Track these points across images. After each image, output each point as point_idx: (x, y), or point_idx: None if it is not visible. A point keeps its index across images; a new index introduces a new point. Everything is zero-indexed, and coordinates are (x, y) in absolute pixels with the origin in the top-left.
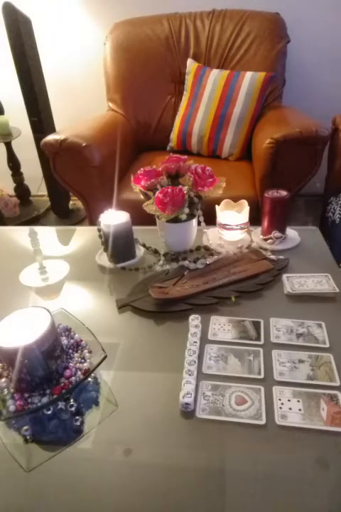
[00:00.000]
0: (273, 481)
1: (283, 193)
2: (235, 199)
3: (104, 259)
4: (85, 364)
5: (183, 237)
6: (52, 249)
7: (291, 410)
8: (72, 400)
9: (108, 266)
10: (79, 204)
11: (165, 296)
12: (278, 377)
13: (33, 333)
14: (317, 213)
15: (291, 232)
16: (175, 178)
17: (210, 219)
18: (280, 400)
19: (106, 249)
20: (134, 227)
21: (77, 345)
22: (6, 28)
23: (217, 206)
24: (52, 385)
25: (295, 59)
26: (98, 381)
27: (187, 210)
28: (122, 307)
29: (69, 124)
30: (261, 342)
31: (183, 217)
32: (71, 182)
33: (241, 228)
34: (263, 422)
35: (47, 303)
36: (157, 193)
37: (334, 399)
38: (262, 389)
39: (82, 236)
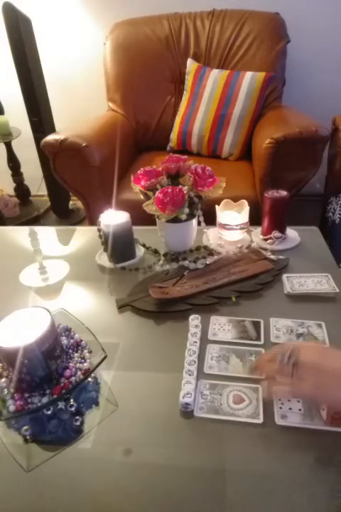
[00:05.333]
0: (273, 480)
1: (283, 193)
2: (235, 199)
3: (104, 259)
4: (85, 364)
5: (183, 237)
6: (52, 249)
7: (291, 410)
8: (72, 400)
9: (108, 266)
10: (79, 204)
11: (165, 296)
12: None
13: (33, 333)
14: (317, 213)
15: (291, 232)
16: (175, 178)
17: (210, 219)
18: (280, 400)
19: (106, 249)
20: (134, 227)
21: (77, 345)
22: (6, 28)
23: (217, 206)
24: (52, 385)
25: (295, 59)
26: (98, 381)
27: (187, 210)
28: (122, 307)
29: (69, 124)
30: (261, 342)
31: (183, 217)
32: (71, 182)
33: (241, 228)
34: (260, 420)
35: (47, 303)
36: (157, 193)
37: None
38: (260, 388)
39: (82, 236)
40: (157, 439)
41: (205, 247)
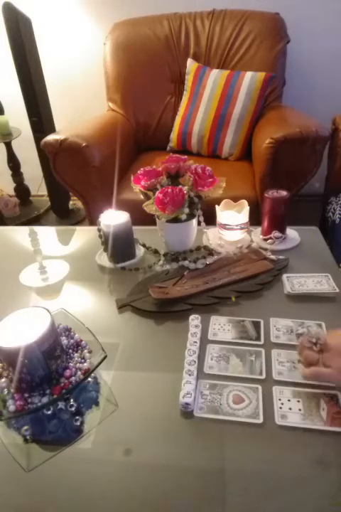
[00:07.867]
0: (273, 480)
1: (283, 193)
2: (235, 199)
3: (104, 259)
4: (85, 364)
5: (183, 237)
6: (52, 249)
7: (291, 410)
8: (72, 400)
9: (108, 266)
10: (79, 204)
11: (165, 296)
12: (276, 377)
13: (33, 333)
14: (317, 213)
15: (291, 232)
16: (175, 178)
17: (210, 219)
18: (280, 399)
19: (106, 249)
20: (134, 227)
21: (77, 345)
22: (6, 28)
23: (217, 206)
24: (52, 385)
25: (295, 59)
26: (98, 381)
27: (187, 210)
28: (122, 307)
29: (69, 124)
30: (261, 342)
31: (183, 217)
32: (71, 182)
33: (241, 228)
34: (260, 420)
35: (47, 303)
36: (157, 193)
37: (335, 399)
38: (260, 388)
39: (82, 236)
40: (157, 439)
41: (205, 247)
